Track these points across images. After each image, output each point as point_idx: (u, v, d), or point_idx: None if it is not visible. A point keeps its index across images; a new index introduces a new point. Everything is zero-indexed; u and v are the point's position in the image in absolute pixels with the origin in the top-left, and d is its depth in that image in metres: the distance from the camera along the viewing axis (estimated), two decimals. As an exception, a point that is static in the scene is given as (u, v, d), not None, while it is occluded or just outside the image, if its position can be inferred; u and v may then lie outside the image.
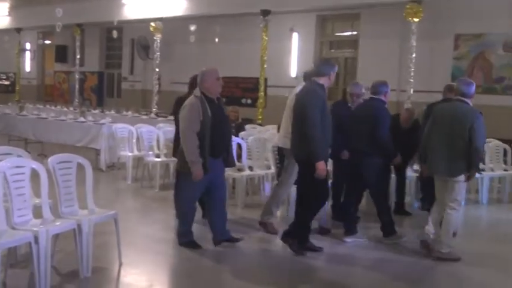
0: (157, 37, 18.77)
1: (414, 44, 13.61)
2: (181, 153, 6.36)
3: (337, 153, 7.43)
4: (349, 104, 7.90)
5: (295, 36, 17.90)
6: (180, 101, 7.62)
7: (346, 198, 7.48)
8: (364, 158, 7.01)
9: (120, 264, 5.79)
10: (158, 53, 18.80)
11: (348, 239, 7.09)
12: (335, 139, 6.63)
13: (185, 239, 6.62)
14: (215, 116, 6.33)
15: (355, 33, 17.33)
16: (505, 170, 10.35)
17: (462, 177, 6.40)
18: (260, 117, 16.13)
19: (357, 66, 16.81)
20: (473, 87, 6.54)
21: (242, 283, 5.63)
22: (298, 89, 7.04)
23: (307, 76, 7.20)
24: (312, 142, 6.11)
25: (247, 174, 9.08)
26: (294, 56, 18.00)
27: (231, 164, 6.91)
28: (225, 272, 6.01)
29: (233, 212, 8.23)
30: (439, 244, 6.47)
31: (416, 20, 13.50)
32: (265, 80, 16.56)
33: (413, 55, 13.62)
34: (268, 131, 11.05)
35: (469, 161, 6.28)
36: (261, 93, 16.31)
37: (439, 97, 8.59)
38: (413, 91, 13.54)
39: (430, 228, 6.78)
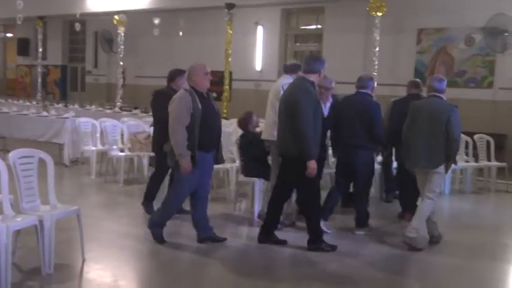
0: (121, 30, 18.61)
1: (378, 38, 13.74)
2: (172, 149, 6.28)
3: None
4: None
5: (260, 29, 17.91)
6: (157, 95, 7.65)
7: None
8: (357, 151, 7.08)
9: (83, 260, 5.73)
10: (122, 47, 18.64)
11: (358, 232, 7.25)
12: None
13: (157, 230, 6.54)
14: (205, 110, 6.29)
15: (319, 26, 17.41)
16: (467, 162, 10.55)
17: (442, 169, 6.61)
18: (225, 110, 16.11)
19: (322, 59, 16.87)
20: (445, 83, 6.85)
21: (210, 276, 5.63)
22: (282, 82, 7.06)
23: (287, 69, 7.32)
24: (305, 140, 6.11)
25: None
26: (259, 50, 18.01)
27: (221, 161, 6.85)
28: (191, 266, 5.99)
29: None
30: (408, 228, 6.64)
31: (379, 14, 13.64)
32: (230, 73, 16.55)
33: (377, 49, 13.75)
34: (233, 125, 11.04)
35: (447, 152, 6.53)
36: (226, 87, 16.31)
37: (402, 90, 8.71)
38: (377, 84, 13.63)
39: (431, 225, 6.93)
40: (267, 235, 6.64)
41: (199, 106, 6.22)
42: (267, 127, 7.44)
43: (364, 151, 7.18)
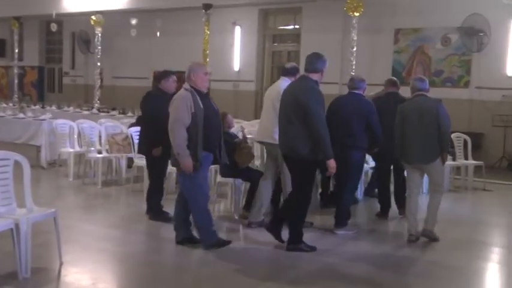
0: (98, 31, 18.49)
1: (355, 38, 13.80)
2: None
3: None
4: None
5: (237, 30, 17.91)
6: (148, 96, 7.56)
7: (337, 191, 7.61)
8: (352, 151, 7.08)
9: (61, 264, 5.66)
10: (99, 47, 18.53)
11: (339, 231, 7.23)
12: None
13: (213, 238, 6.43)
14: (207, 109, 6.25)
15: (297, 27, 17.46)
16: (444, 161, 10.62)
17: (438, 162, 6.90)
18: (203, 111, 16.05)
19: (300, 59, 16.94)
20: (427, 82, 7.23)
21: (188, 278, 5.60)
22: (282, 84, 7.04)
23: (287, 71, 7.34)
24: (323, 140, 6.08)
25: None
26: (237, 50, 18.01)
27: (224, 160, 6.78)
28: (169, 268, 5.97)
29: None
30: (429, 224, 7.02)
31: (357, 14, 13.70)
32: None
33: (355, 49, 13.82)
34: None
35: (440, 144, 6.86)
36: (204, 88, 16.23)
37: (380, 90, 8.75)
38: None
39: (412, 222, 7.06)
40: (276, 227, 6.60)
41: (201, 106, 6.18)
42: (265, 130, 7.35)
43: (358, 151, 7.23)
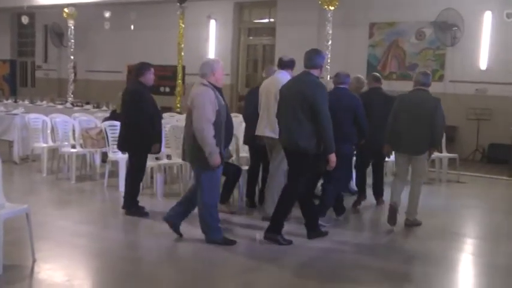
0: (71, 24, 18.24)
1: (330, 31, 13.80)
2: (195, 149, 6.12)
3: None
4: None
5: (212, 23, 17.83)
6: (140, 94, 7.47)
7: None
8: (342, 145, 6.98)
9: (34, 261, 5.58)
10: (73, 41, 18.29)
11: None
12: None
13: (218, 236, 6.40)
14: (225, 106, 6.27)
15: (272, 20, 17.43)
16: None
17: (425, 154, 7.34)
18: (179, 105, 15.99)
19: (275, 53, 16.94)
20: (430, 77, 7.55)
21: (163, 274, 5.56)
22: (282, 77, 7.11)
23: (285, 64, 7.44)
24: (327, 135, 6.19)
25: (165, 163, 8.97)
26: (212, 43, 17.94)
27: (229, 156, 6.78)
28: (144, 264, 5.91)
29: (152, 203, 8.17)
30: (410, 214, 7.47)
31: (332, 8, 13.70)
32: (183, 67, 16.41)
33: (330, 42, 13.81)
34: (187, 120, 10.96)
35: (432, 139, 7.23)
36: (179, 81, 16.15)
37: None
38: (330, 78, 13.73)
39: (395, 198, 7.42)
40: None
41: (222, 102, 6.18)
42: (269, 124, 7.27)
43: (348, 145, 7.33)
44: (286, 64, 7.42)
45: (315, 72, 6.45)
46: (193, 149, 6.15)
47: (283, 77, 7.11)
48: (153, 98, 7.57)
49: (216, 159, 6.02)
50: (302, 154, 6.30)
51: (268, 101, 7.30)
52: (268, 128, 7.28)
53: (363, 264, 6.03)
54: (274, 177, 7.36)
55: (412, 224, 7.43)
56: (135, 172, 7.69)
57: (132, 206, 7.67)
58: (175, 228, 6.57)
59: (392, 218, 7.30)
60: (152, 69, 7.58)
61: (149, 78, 7.51)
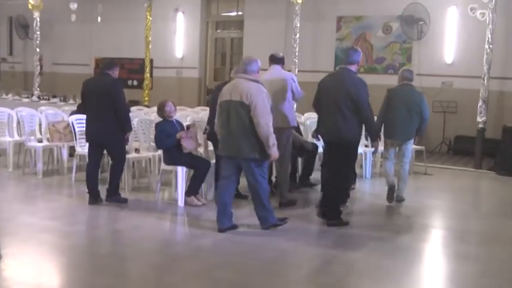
0: (37, 15, 17.96)
1: (298, 24, 13.84)
2: (254, 142, 6.47)
3: None
4: None
5: (180, 16, 17.74)
6: (120, 84, 7.89)
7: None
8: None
9: (0, 257, 5.51)
10: (38, 33, 18.00)
11: None
12: None
13: (275, 218, 6.83)
14: None
15: (240, 13, 17.40)
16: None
17: (412, 141, 8.47)
18: (147, 98, 15.90)
19: (243, 46, 16.93)
20: (414, 73, 8.66)
21: (130, 269, 5.54)
22: (281, 72, 7.91)
23: (280, 60, 8.06)
24: (372, 125, 7.18)
25: (133, 157, 8.93)
26: (180, 37, 17.85)
27: None
28: (114, 258, 5.87)
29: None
30: (401, 190, 8.49)
31: (299, 1, 13.75)
32: (151, 61, 16.33)
33: (298, 36, 13.85)
34: (154, 113, 10.89)
35: (419, 129, 8.37)
36: (147, 75, 16.08)
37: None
38: (298, 71, 13.80)
39: (390, 178, 8.37)
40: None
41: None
42: (280, 116, 7.63)
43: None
44: (280, 60, 8.07)
45: (353, 68, 7.06)
46: (251, 142, 6.48)
47: (279, 71, 7.97)
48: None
49: (276, 151, 6.54)
50: (348, 145, 6.96)
51: (276, 94, 7.62)
52: (281, 119, 7.67)
53: (331, 251, 6.09)
54: (284, 163, 7.93)
55: (402, 199, 8.47)
56: (121, 161, 7.96)
57: (113, 193, 7.86)
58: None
59: (391, 197, 8.30)
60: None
61: (116, 74, 7.93)
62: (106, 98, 7.59)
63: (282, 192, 8.01)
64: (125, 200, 7.90)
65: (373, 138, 7.50)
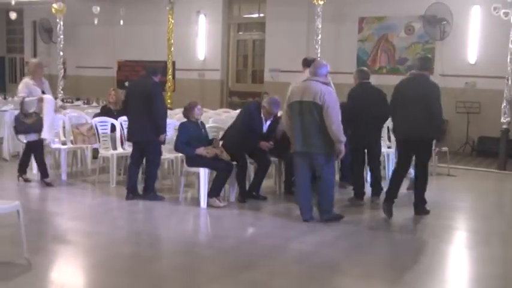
0: (60, 19, 18.15)
1: (320, 26, 13.80)
2: (326, 140, 6.98)
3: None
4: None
5: (202, 18, 17.81)
6: (157, 86, 8.27)
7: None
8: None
9: (26, 258, 5.57)
10: (62, 36, 18.19)
11: None
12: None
13: (332, 212, 7.29)
14: None
15: (262, 15, 17.43)
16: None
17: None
18: (169, 101, 15.98)
19: (265, 48, 16.95)
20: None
21: (153, 271, 5.56)
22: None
23: (308, 63, 8.30)
24: (441, 122, 7.96)
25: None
26: (202, 39, 17.92)
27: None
28: (140, 259, 5.90)
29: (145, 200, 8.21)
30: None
31: (321, 2, 13.70)
32: (173, 63, 16.41)
33: (319, 37, 13.81)
34: (177, 115, 10.94)
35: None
36: (169, 77, 16.14)
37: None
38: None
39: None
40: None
41: None
42: None
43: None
44: (309, 63, 8.25)
45: (427, 73, 7.76)
46: (323, 140, 6.98)
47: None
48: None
49: (343, 147, 7.08)
50: (428, 141, 7.72)
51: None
52: None
53: (351, 255, 6.08)
54: None
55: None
56: (156, 160, 8.32)
57: (150, 190, 8.21)
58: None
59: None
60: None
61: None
62: (145, 99, 7.94)
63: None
64: (162, 198, 8.23)
65: (441, 134, 8.45)
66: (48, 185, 8.85)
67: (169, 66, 16.13)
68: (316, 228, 7.01)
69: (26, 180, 9.06)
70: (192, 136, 7.94)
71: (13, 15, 18.89)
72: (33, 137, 8.71)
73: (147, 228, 7.04)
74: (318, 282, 5.30)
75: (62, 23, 17.73)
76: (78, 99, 15.52)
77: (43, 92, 8.80)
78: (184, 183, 8.40)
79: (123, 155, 9.51)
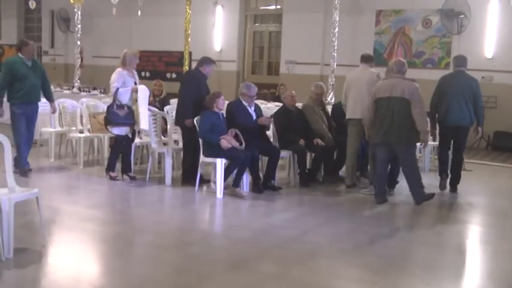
0: (78, 9, 18.24)
1: (337, 18, 13.76)
2: (412, 131, 7.73)
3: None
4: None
5: (219, 9, 17.82)
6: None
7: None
8: None
9: (44, 245, 5.66)
10: (79, 26, 18.28)
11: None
12: None
13: (422, 196, 7.91)
14: None
15: (279, 7, 17.41)
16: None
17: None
18: (185, 91, 16.00)
19: (281, 40, 16.94)
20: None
21: (168, 259, 5.62)
22: (367, 70, 8.80)
23: (369, 59, 9.02)
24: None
25: (173, 148, 9.04)
26: (219, 30, 17.94)
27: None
28: (155, 248, 5.96)
29: (162, 188, 8.28)
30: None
31: (339, -5, 13.66)
32: (190, 54, 16.45)
33: (336, 30, 13.77)
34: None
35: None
36: (186, 68, 16.18)
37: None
38: (336, 65, 13.73)
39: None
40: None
41: None
42: (359, 108, 8.56)
43: None
44: (367, 59, 9.00)
45: (465, 69, 8.83)
46: (409, 131, 7.75)
47: (364, 68, 8.86)
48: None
49: (428, 137, 8.08)
50: (468, 128, 8.83)
51: (359, 89, 8.61)
52: (360, 110, 8.54)
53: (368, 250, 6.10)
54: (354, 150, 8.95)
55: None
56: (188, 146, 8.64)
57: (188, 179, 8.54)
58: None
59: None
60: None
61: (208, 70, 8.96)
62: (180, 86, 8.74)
63: (349, 176, 8.97)
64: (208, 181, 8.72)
65: (481, 123, 9.07)
66: (132, 179, 8.76)
67: (186, 56, 16.16)
68: (332, 219, 7.05)
69: (114, 179, 8.78)
70: (214, 127, 8.01)
71: (32, 5, 18.98)
72: (125, 130, 8.61)
73: (163, 218, 7.10)
74: (334, 274, 5.33)
75: (79, 12, 17.83)
76: (94, 89, 15.61)
77: (135, 84, 8.70)
78: (200, 174, 8.44)
79: (140, 144, 9.60)
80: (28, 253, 5.52)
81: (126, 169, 8.89)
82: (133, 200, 7.96)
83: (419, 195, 7.89)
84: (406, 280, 5.27)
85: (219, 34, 17.96)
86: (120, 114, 8.44)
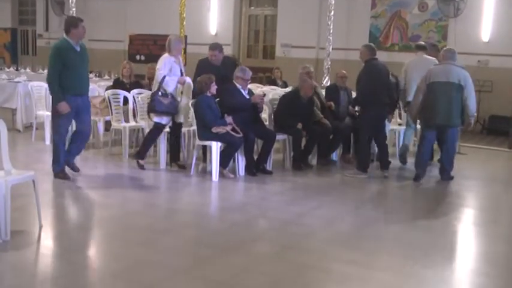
0: (73, -8, 18.12)
1: (333, 2, 13.75)
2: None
3: None
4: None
5: (214, -7, 17.78)
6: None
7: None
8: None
9: (40, 227, 5.67)
10: (74, 9, 18.16)
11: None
12: None
13: (450, 175, 8.56)
14: None
15: (274, -10, 17.38)
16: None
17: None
18: (181, 75, 15.98)
19: (277, 23, 16.90)
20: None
21: (162, 242, 5.64)
22: (421, 58, 9.51)
23: (419, 47, 9.86)
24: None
25: (167, 131, 9.03)
26: (214, 14, 17.88)
27: None
28: (149, 231, 5.96)
29: (156, 171, 8.28)
30: None
31: (334, -22, 13.64)
32: (185, 37, 16.38)
33: (332, 13, 13.76)
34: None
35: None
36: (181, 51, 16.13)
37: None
38: (332, 49, 13.73)
39: None
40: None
41: None
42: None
43: None
44: (422, 47, 9.81)
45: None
46: (459, 115, 8.19)
47: (421, 56, 9.57)
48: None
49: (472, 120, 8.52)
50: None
51: (416, 77, 8.96)
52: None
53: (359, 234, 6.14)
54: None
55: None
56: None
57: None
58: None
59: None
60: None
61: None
62: None
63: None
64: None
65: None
66: (181, 167, 8.61)
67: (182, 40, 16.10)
68: (325, 203, 7.09)
69: (142, 167, 8.47)
70: (214, 111, 8.07)
71: (26, -13, 18.90)
72: (165, 119, 8.42)
73: (159, 201, 7.12)
74: (329, 256, 5.36)
75: (74, -5, 17.69)
76: (90, 72, 15.52)
77: (180, 72, 8.59)
78: (196, 157, 8.45)
79: (136, 127, 9.60)
80: (25, 235, 5.54)
81: (174, 158, 8.75)
82: (127, 183, 7.95)
83: (448, 174, 8.53)
84: (400, 262, 5.30)
85: (214, 18, 17.91)
86: (164, 103, 8.22)
